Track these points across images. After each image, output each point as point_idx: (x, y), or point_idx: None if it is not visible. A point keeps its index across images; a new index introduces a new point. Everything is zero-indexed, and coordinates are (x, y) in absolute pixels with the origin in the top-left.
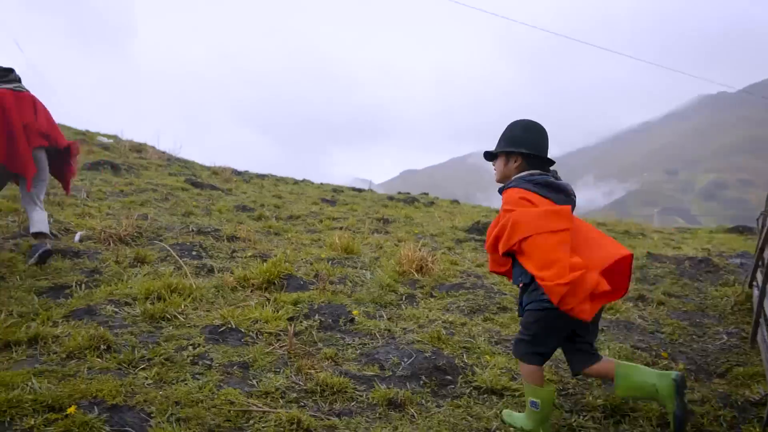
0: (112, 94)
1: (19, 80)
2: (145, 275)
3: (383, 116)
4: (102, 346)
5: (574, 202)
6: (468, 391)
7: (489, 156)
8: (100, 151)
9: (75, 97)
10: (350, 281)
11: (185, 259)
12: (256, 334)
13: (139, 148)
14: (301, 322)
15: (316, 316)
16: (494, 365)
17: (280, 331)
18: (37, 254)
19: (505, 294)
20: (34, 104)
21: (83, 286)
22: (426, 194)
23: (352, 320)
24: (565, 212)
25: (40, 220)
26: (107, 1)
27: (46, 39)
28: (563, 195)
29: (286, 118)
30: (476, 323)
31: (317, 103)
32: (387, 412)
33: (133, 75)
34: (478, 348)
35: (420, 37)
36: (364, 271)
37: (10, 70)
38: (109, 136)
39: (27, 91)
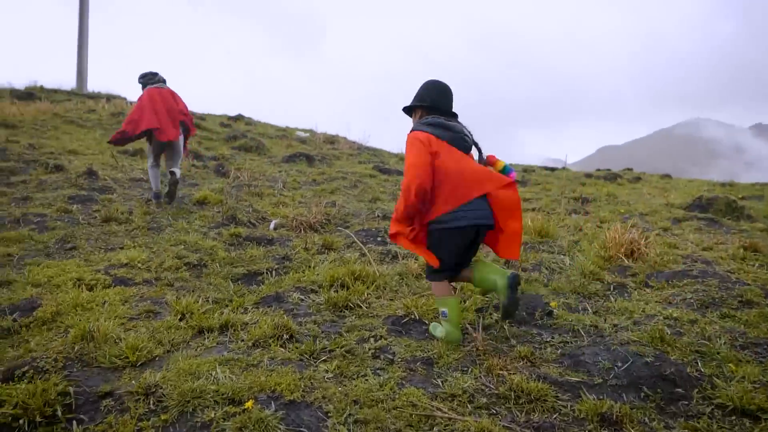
0: (307, 92)
1: (164, 81)
2: (331, 262)
3: (574, 90)
4: (285, 336)
5: (463, 139)
6: (708, 410)
7: (407, 111)
8: (298, 144)
9: (277, 95)
10: (546, 268)
11: (369, 245)
12: None
13: (331, 140)
14: (490, 314)
15: None
16: (743, 377)
17: (468, 324)
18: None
19: (747, 284)
20: (173, 96)
21: (274, 273)
22: (630, 170)
23: (549, 313)
24: (433, 141)
25: (176, 168)
26: (299, 8)
27: (251, 46)
28: (447, 131)
29: (473, 101)
30: (711, 321)
31: (502, 84)
32: (599, 429)
33: (325, 73)
34: (718, 353)
35: None
36: (561, 256)
37: (155, 74)
38: (305, 131)
39: (168, 88)
